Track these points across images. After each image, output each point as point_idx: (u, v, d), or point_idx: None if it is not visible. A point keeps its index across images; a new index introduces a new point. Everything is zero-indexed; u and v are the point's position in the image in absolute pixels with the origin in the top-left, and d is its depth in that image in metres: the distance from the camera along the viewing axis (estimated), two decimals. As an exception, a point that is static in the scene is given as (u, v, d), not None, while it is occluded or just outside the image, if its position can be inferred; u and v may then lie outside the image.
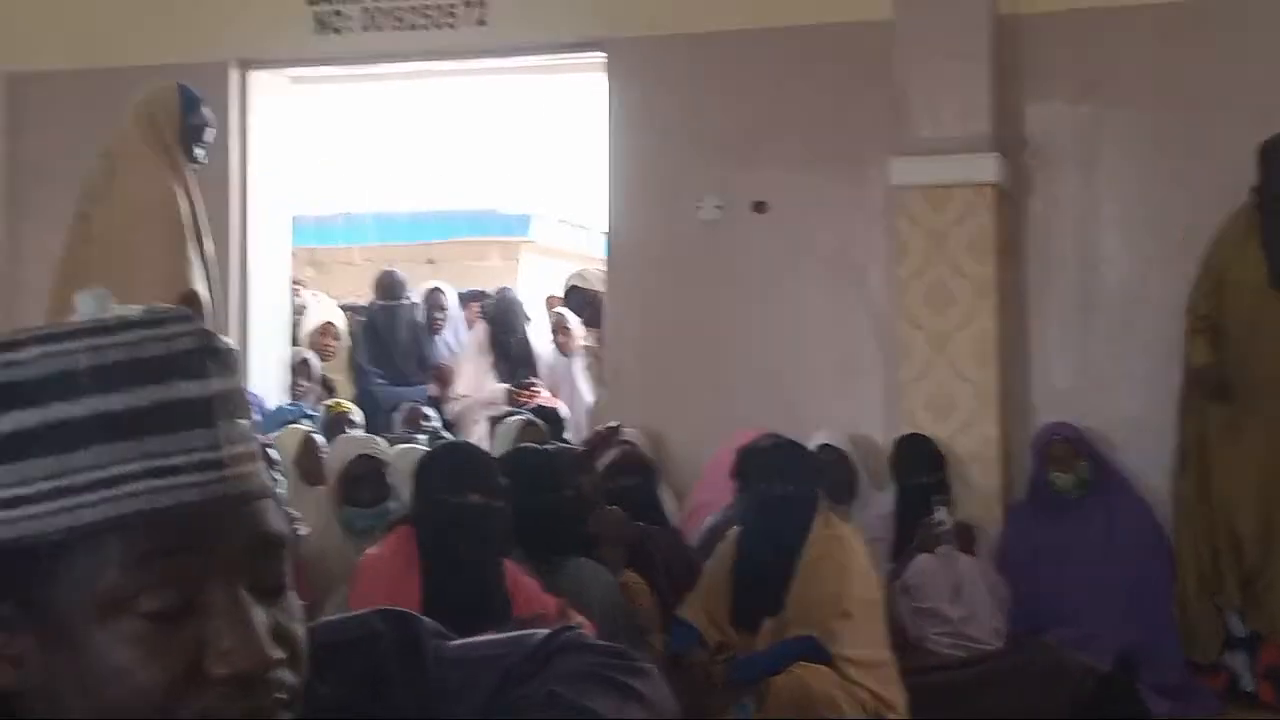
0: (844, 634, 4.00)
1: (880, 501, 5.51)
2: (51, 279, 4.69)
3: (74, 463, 0.93)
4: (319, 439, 5.39)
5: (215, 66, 6.55)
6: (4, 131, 6.79)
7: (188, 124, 4.79)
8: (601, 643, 1.17)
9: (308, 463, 5.22)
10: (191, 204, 4.71)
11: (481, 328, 7.46)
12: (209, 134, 4.89)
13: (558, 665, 1.11)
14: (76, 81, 6.64)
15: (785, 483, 4.21)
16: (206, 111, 4.88)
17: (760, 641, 4.09)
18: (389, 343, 7.40)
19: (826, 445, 5.47)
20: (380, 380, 7.23)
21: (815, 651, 3.97)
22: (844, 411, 5.88)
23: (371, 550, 3.75)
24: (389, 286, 7.64)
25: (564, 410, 6.76)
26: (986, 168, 5.75)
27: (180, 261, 4.59)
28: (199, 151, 4.83)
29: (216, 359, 0.97)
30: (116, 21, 6.67)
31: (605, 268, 6.62)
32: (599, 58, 6.44)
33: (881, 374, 5.95)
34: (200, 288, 4.60)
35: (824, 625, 4.00)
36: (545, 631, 1.16)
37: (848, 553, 4.15)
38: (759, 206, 6.17)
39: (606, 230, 6.55)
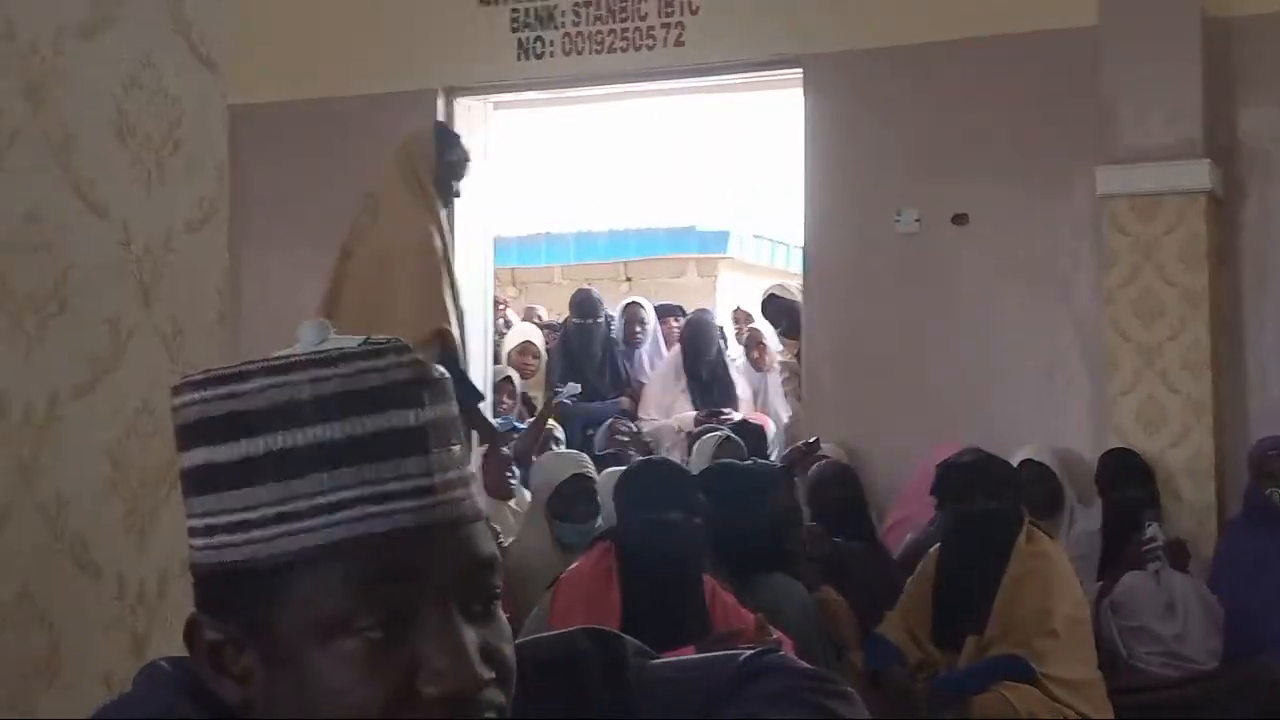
0: (1050, 653, 3.93)
1: (1087, 518, 5.38)
2: (315, 314, 4.85)
3: (296, 490, 0.98)
4: (504, 453, 5.51)
5: (424, 94, 6.74)
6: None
7: (445, 161, 4.91)
8: (804, 665, 1.18)
9: (490, 479, 5.34)
10: (445, 241, 4.85)
11: (675, 351, 7.51)
12: (467, 169, 5.02)
13: (759, 687, 1.13)
14: (293, 112, 6.91)
15: (987, 499, 4.15)
16: (462, 147, 5.01)
17: (962, 660, 4.03)
18: (582, 360, 7.49)
19: (1030, 460, 5.37)
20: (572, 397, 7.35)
21: (1020, 671, 3.90)
22: (1048, 426, 5.76)
23: (571, 566, 3.82)
24: (584, 304, 7.75)
25: (769, 426, 6.77)
26: (1198, 174, 5.58)
27: (434, 301, 4.73)
28: (456, 186, 4.96)
29: (430, 388, 1.01)
30: (329, 54, 6.91)
31: (802, 282, 6.61)
32: (795, 74, 6.44)
33: (1088, 387, 5.82)
34: (451, 326, 4.74)
35: (1029, 644, 3.93)
36: (748, 652, 1.17)
37: (1053, 570, 4.07)
38: (959, 219, 6.09)
39: (804, 245, 6.55)
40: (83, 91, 2.05)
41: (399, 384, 1.00)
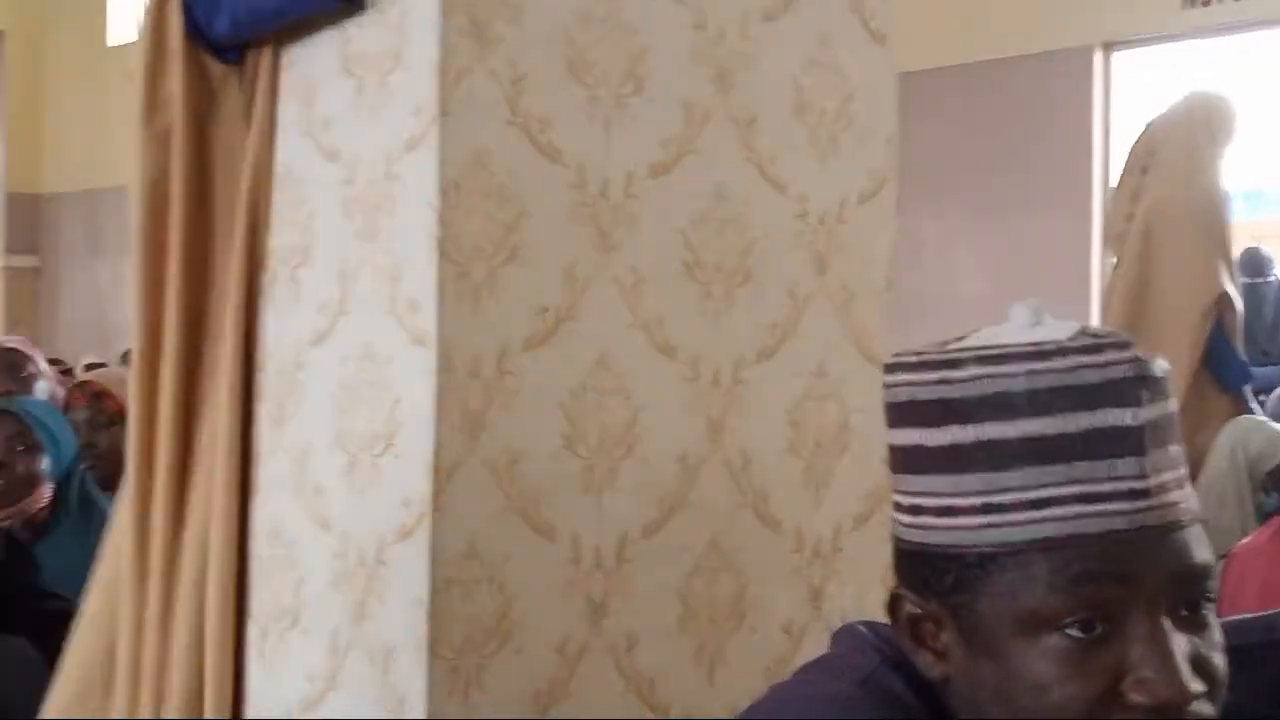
0: None
1: None
2: (1109, 284, 4.90)
3: (1003, 481, 0.98)
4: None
5: (1078, 51, 6.57)
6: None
7: (1227, 137, 4.84)
8: None
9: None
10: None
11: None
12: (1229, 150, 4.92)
13: None
14: (945, 78, 6.94)
15: None
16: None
17: None
18: (1252, 322, 7.04)
19: None
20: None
21: None
22: None
23: (1244, 540, 3.62)
24: (1253, 262, 7.32)
25: None
26: None
27: (1213, 264, 4.66)
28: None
29: (1150, 386, 0.98)
30: (983, 17, 6.89)
31: None
32: None
33: None
34: (1232, 292, 4.67)
35: None
36: None
37: None
38: None
39: None
40: (765, 74, 2.17)
41: (1117, 381, 0.97)
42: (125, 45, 15.14)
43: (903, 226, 2.29)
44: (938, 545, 1.01)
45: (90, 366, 6.94)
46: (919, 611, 1.04)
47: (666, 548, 2.08)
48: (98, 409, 3.72)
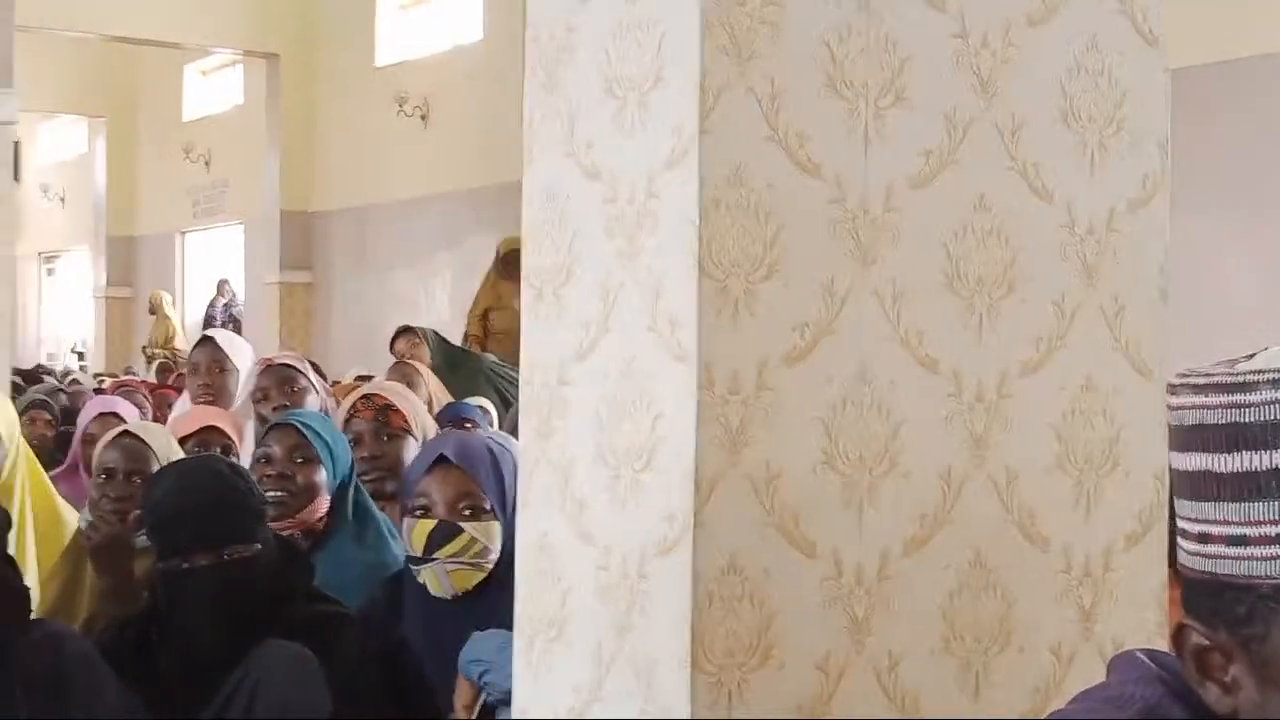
0: None
1: None
2: None
3: None
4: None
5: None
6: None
7: None
8: None
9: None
10: None
11: None
12: None
13: None
14: (1215, 74, 6.67)
15: None
16: None
17: None
18: None
19: None
20: None
21: None
22: None
23: None
24: None
25: None
26: None
27: None
28: None
29: None
30: (1260, 8, 6.59)
31: None
32: None
33: None
34: None
35: None
36: None
37: None
38: None
39: None
40: (1030, 80, 2.13)
41: None
42: (393, 66, 15.76)
43: (1172, 229, 2.21)
44: (1228, 575, 0.97)
45: (360, 379, 7.22)
46: (1207, 643, 1.00)
47: (929, 565, 2.05)
48: (382, 421, 3.82)
